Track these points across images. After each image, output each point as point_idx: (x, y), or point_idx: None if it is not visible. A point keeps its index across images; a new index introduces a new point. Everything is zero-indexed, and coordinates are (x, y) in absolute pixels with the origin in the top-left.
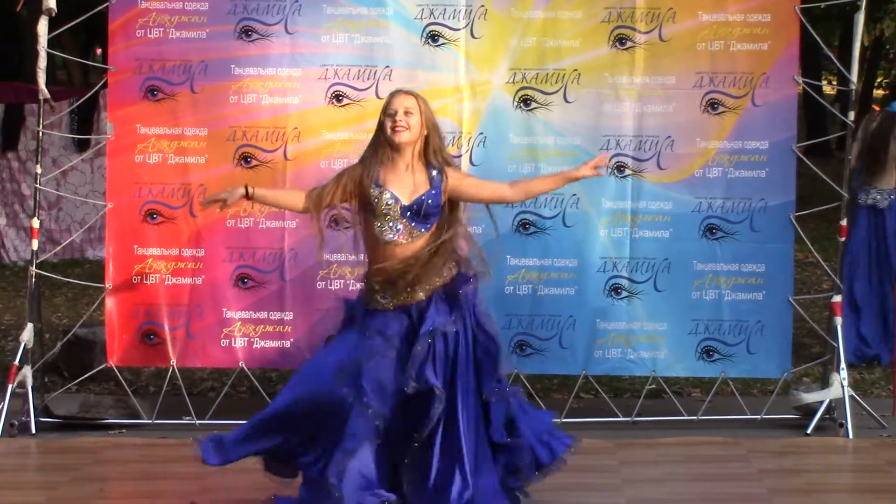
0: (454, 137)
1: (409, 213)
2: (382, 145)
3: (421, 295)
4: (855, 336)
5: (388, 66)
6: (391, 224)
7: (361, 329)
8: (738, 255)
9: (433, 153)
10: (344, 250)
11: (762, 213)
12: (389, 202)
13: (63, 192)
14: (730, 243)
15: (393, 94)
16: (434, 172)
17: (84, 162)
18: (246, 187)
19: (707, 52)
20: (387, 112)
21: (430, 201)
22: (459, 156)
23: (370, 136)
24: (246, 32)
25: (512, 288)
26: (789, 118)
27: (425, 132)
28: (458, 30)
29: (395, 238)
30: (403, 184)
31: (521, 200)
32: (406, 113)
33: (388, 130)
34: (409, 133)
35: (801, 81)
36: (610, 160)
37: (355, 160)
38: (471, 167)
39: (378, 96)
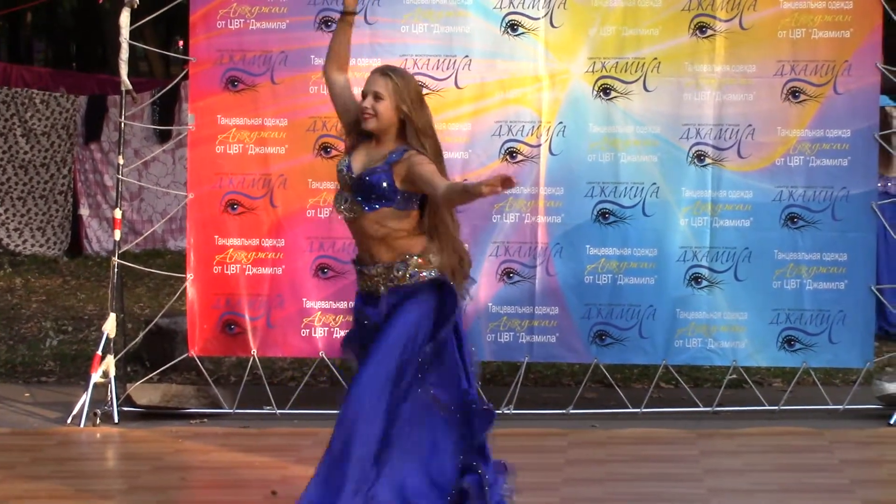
0: (534, 127)
1: (354, 186)
2: None
3: (382, 288)
4: None
5: (467, 56)
6: (341, 194)
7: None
8: (820, 244)
9: (413, 135)
10: None
11: (844, 202)
12: (342, 170)
13: (145, 183)
14: (811, 232)
15: (371, 73)
16: (395, 151)
17: (165, 153)
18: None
19: (788, 40)
20: (362, 92)
21: (369, 178)
22: (539, 145)
23: (449, 126)
24: (325, 23)
25: (592, 277)
26: (871, 106)
27: (401, 115)
28: (538, 19)
29: (340, 209)
30: (366, 157)
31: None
32: (376, 98)
33: (360, 115)
34: (376, 120)
35: (884, 69)
36: (690, 149)
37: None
38: (550, 156)
39: (457, 86)
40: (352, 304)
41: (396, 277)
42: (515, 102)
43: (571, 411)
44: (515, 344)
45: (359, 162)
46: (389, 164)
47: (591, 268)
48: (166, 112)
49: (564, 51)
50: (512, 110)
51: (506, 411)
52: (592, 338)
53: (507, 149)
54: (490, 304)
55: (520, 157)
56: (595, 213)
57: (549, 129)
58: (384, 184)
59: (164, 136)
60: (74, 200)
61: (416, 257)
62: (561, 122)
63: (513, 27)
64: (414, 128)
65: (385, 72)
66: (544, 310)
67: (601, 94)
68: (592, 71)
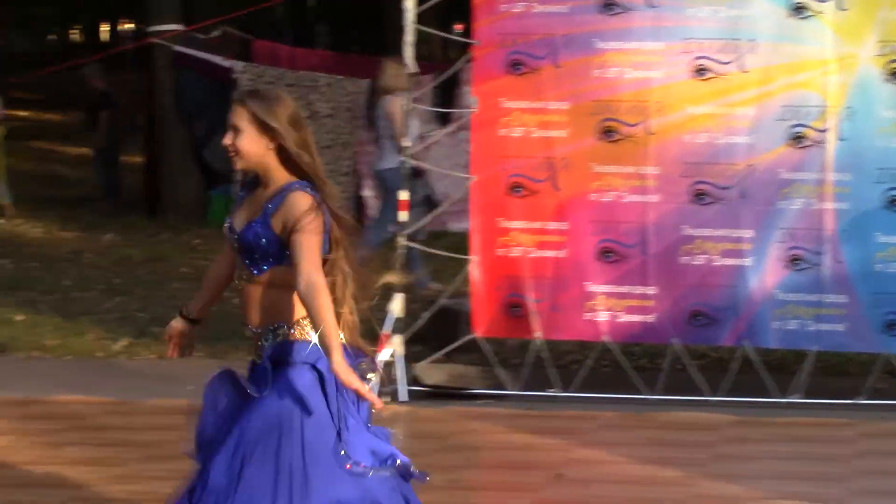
0: (820, 111)
1: (241, 248)
2: None
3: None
4: None
5: (752, 40)
6: (238, 259)
7: None
8: None
9: (295, 164)
10: (709, 225)
11: None
12: (228, 233)
13: (426, 165)
14: None
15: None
16: (276, 195)
17: (447, 135)
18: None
19: None
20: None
21: (245, 235)
22: (825, 130)
23: (735, 110)
24: (608, 6)
25: (882, 265)
26: None
27: (272, 144)
28: (825, 2)
29: (239, 278)
30: (248, 209)
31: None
32: (235, 132)
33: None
34: (241, 160)
35: None
36: None
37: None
38: (838, 142)
39: (742, 70)
40: (635, 288)
41: (264, 346)
42: (801, 87)
43: (860, 402)
44: (802, 332)
45: (240, 217)
46: (267, 215)
47: (881, 256)
48: (446, 95)
49: (852, 34)
50: (798, 94)
51: (793, 400)
52: (883, 327)
53: (794, 133)
54: (776, 291)
55: (806, 142)
56: (885, 199)
57: (836, 114)
58: (262, 241)
59: (443, 119)
60: (357, 182)
61: (285, 328)
62: (849, 107)
63: (798, 10)
64: (288, 151)
65: (241, 99)
66: (832, 298)
67: (892, 77)
68: (882, 54)
